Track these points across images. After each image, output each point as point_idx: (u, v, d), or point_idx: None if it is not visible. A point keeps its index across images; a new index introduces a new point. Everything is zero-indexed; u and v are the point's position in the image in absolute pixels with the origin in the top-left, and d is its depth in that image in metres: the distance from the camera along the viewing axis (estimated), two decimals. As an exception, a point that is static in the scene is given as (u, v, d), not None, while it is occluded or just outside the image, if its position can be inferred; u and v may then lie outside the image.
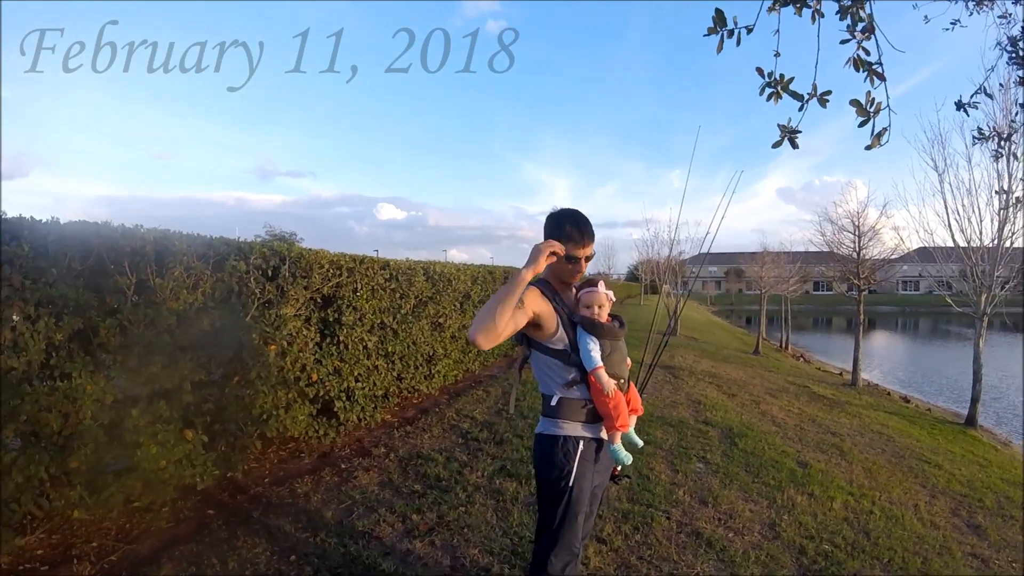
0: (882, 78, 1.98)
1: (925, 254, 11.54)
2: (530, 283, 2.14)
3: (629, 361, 2.39)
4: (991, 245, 9.46)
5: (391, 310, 5.74)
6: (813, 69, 2.11)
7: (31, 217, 2.82)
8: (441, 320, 7.00)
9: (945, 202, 9.85)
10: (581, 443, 2.25)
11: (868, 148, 2.04)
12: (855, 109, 2.00)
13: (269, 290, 4.05)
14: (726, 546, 3.56)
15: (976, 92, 3.42)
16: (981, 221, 9.61)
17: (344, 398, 4.97)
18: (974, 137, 4.02)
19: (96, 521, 3.17)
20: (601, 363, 2.18)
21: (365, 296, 5.20)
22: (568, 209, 2.31)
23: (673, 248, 19.75)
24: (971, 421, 9.83)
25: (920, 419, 9.73)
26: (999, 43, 3.38)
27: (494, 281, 8.89)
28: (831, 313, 51.78)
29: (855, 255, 12.67)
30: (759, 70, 2.11)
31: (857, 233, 12.59)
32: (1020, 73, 3.41)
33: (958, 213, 9.76)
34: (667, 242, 19.61)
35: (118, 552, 2.96)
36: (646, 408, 6.70)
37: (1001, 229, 9.35)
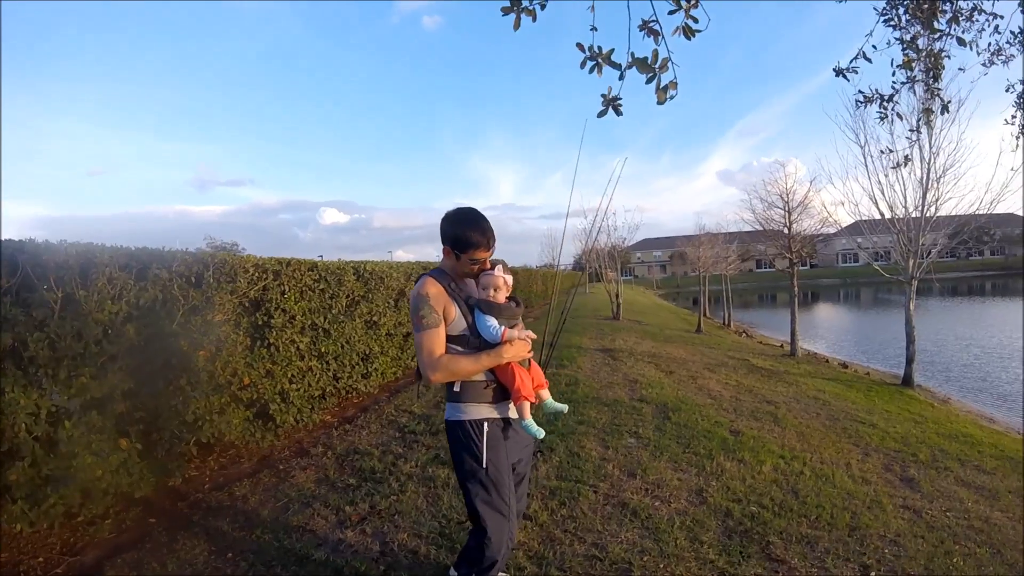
0: (659, 35, 2.24)
1: (859, 228, 12.32)
2: (428, 274, 2.47)
3: (533, 335, 2.57)
4: (915, 214, 10.23)
5: (322, 310, 6.02)
6: (627, 39, 2.31)
7: None
8: (376, 319, 7.30)
9: (868, 174, 10.61)
10: (485, 424, 2.45)
11: (659, 103, 2.28)
12: (637, 67, 2.25)
13: (194, 296, 4.31)
14: (651, 514, 3.86)
15: (855, 57, 3.63)
16: (905, 190, 10.40)
17: (279, 400, 5.26)
18: (856, 101, 4.16)
19: (42, 536, 3.43)
20: (504, 328, 2.40)
21: (294, 298, 5.47)
22: (469, 214, 2.48)
23: (610, 235, 20.44)
24: (907, 381, 10.61)
25: (858, 383, 10.46)
26: (875, 7, 3.54)
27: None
28: (776, 289, 54.13)
29: (786, 230, 13.40)
30: (579, 45, 2.28)
31: (787, 208, 13.33)
32: (896, 35, 3.55)
33: (880, 184, 10.54)
34: (604, 230, 20.29)
35: (63, 565, 3.23)
36: (582, 390, 7.20)
37: (924, 195, 10.12)
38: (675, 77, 2.25)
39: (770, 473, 4.72)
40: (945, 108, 4.12)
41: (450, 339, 2.42)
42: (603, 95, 2.35)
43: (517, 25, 2.20)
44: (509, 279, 2.54)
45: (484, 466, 2.44)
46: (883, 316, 27.10)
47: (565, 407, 2.67)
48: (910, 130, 4.33)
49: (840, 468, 5.00)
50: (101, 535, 3.54)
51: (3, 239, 3.25)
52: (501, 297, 2.49)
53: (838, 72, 3.73)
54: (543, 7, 2.23)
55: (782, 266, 14.67)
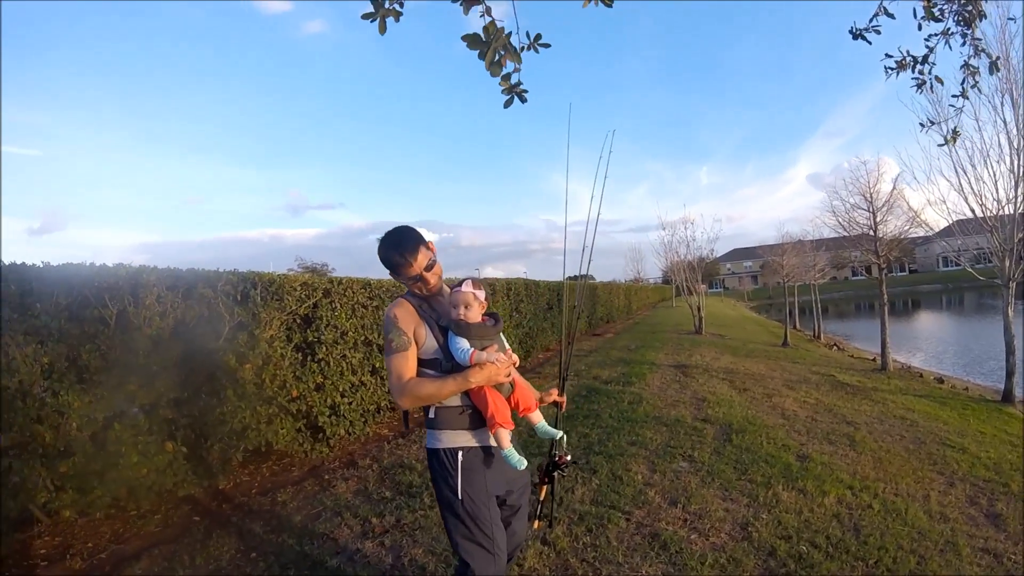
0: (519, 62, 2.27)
1: (959, 227, 11.54)
2: (403, 296, 2.45)
3: (515, 357, 2.47)
4: (1008, 209, 9.46)
5: (375, 327, 6.42)
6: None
7: (21, 263, 3.62)
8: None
9: (955, 168, 9.94)
10: (460, 453, 2.35)
11: (493, 76, 2.25)
12: (467, 43, 2.22)
13: (240, 313, 4.78)
14: (683, 548, 3.65)
15: (875, 15, 3.24)
16: (996, 182, 9.63)
17: (329, 413, 5.66)
18: (886, 68, 3.63)
19: (94, 525, 3.98)
20: (473, 350, 2.28)
21: (345, 315, 5.89)
22: (388, 236, 2.43)
23: (690, 247, 20.12)
24: (1007, 397, 9.83)
25: (952, 400, 9.74)
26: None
27: (494, 293, 9.58)
28: (873, 298, 50.85)
29: (871, 232, 12.68)
30: (470, 36, 2.23)
31: (871, 209, 12.62)
32: None
33: (968, 177, 9.83)
34: (684, 241, 19.95)
35: (107, 551, 3.74)
36: (643, 409, 7.20)
37: (1016, 187, 9.33)
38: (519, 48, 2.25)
39: (832, 506, 4.35)
40: (995, 66, 3.57)
41: (422, 363, 2.37)
42: (502, 79, 2.32)
43: (382, 29, 2.21)
44: (480, 294, 2.42)
45: (460, 497, 2.34)
46: (986, 324, 24.92)
47: (559, 433, 2.61)
48: (953, 96, 3.77)
49: (916, 501, 4.55)
50: (148, 528, 4.04)
51: (63, 263, 3.82)
52: (473, 315, 2.38)
53: (855, 34, 3.31)
54: (401, 5, 2.20)
55: (874, 272, 13.76)
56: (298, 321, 5.46)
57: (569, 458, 2.80)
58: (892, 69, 3.62)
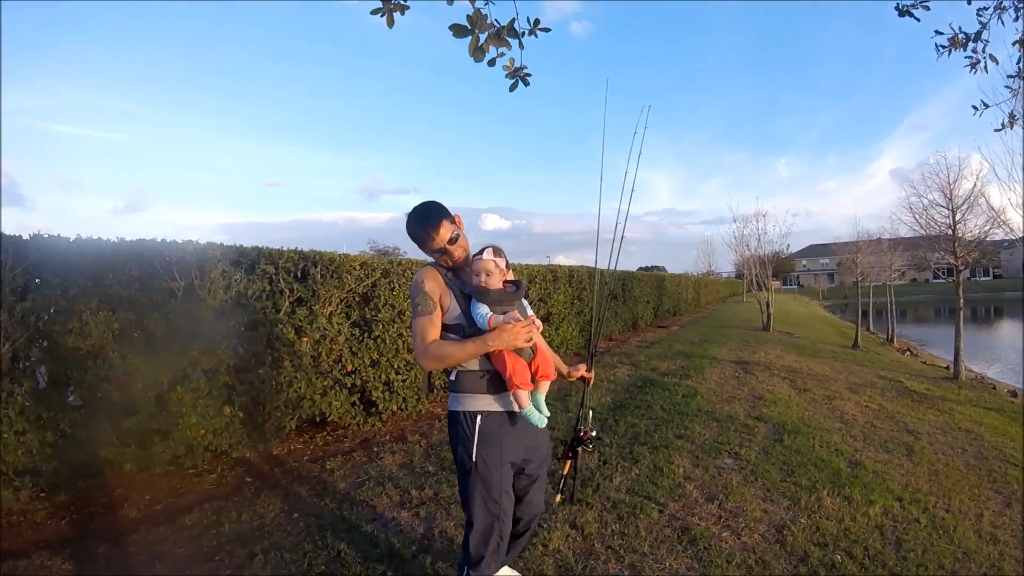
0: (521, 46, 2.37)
1: None
2: (428, 264, 2.56)
3: (538, 323, 2.53)
4: None
5: (433, 308, 6.62)
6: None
7: (97, 237, 4.00)
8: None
9: None
10: (479, 417, 2.44)
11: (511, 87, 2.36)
12: (454, 32, 2.32)
13: (299, 289, 5.06)
14: (712, 545, 3.62)
15: None
16: None
17: (383, 389, 5.91)
18: (937, 47, 3.44)
19: (154, 479, 4.34)
20: (491, 315, 2.39)
21: (403, 295, 6.11)
22: (412, 213, 2.52)
23: (760, 241, 19.56)
24: None
25: None
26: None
27: (555, 280, 9.70)
28: (954, 302, 48.10)
29: (949, 231, 11.99)
30: (455, 25, 2.32)
31: (950, 207, 11.87)
32: None
33: None
34: (756, 235, 19.35)
35: (163, 503, 4.09)
36: (696, 403, 7.21)
37: None
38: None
39: (877, 516, 4.19)
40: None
41: (447, 328, 2.46)
42: (505, 66, 2.44)
43: (391, 23, 2.31)
44: (501, 262, 2.50)
45: (474, 460, 2.44)
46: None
47: (546, 414, 2.55)
48: (1009, 76, 3.50)
49: (968, 519, 4.32)
50: (203, 485, 4.38)
51: (137, 239, 4.18)
52: (494, 282, 2.46)
53: (902, 11, 3.14)
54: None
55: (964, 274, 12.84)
56: (356, 299, 5.70)
57: (594, 433, 2.93)
58: (944, 48, 3.48)
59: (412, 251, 2.66)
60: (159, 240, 4.31)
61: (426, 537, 3.70)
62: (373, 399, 5.82)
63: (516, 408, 2.43)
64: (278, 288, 4.94)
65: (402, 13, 2.34)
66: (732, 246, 21.04)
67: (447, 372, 2.52)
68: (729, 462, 5.21)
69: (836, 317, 37.17)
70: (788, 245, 20.33)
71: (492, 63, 2.41)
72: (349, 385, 5.54)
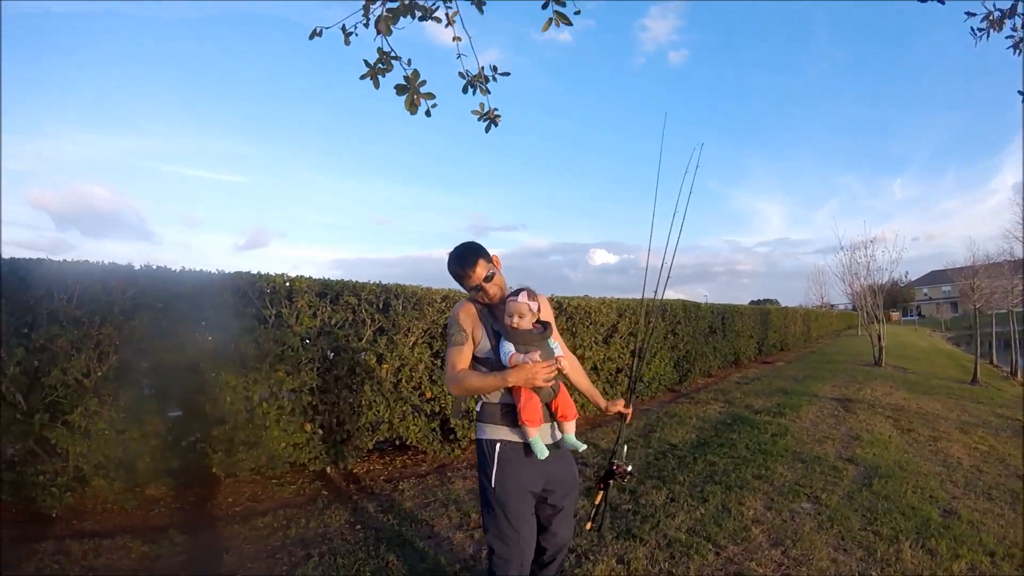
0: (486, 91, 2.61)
1: None
2: (467, 299, 2.75)
3: (564, 363, 2.68)
4: None
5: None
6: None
7: (199, 269, 4.66)
8: (579, 352, 7.97)
9: None
10: (498, 445, 2.59)
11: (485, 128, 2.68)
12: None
13: (380, 320, 5.49)
14: None
15: None
16: None
17: (462, 416, 6.22)
18: (972, 31, 3.14)
19: (239, 485, 4.88)
20: (513, 352, 2.53)
21: (484, 327, 6.44)
22: (452, 253, 2.71)
23: (869, 269, 18.40)
24: None
25: None
26: None
27: (647, 314, 9.72)
28: None
29: None
30: (397, 85, 2.65)
31: None
32: None
33: None
34: (864, 264, 18.18)
35: (242, 506, 4.60)
36: (785, 442, 7.07)
37: None
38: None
39: (960, 572, 3.87)
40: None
41: (477, 360, 2.64)
42: (474, 111, 2.78)
43: (376, 85, 2.64)
44: (535, 305, 2.64)
45: (492, 486, 2.58)
46: None
47: (582, 446, 2.74)
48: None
49: None
50: (281, 494, 4.85)
51: (235, 271, 4.78)
52: (525, 323, 2.59)
53: None
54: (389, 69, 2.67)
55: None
56: (439, 330, 6.08)
57: (630, 468, 2.94)
58: (980, 31, 3.19)
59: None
60: (254, 272, 4.87)
61: (473, 558, 3.85)
62: (452, 426, 6.11)
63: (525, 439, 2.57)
64: (360, 318, 5.37)
65: (384, 75, 2.66)
66: (841, 276, 20.04)
67: (477, 403, 2.71)
68: (807, 506, 4.96)
69: (959, 350, 34.09)
70: (906, 273, 19.12)
71: (428, 113, 2.73)
72: (428, 412, 5.85)
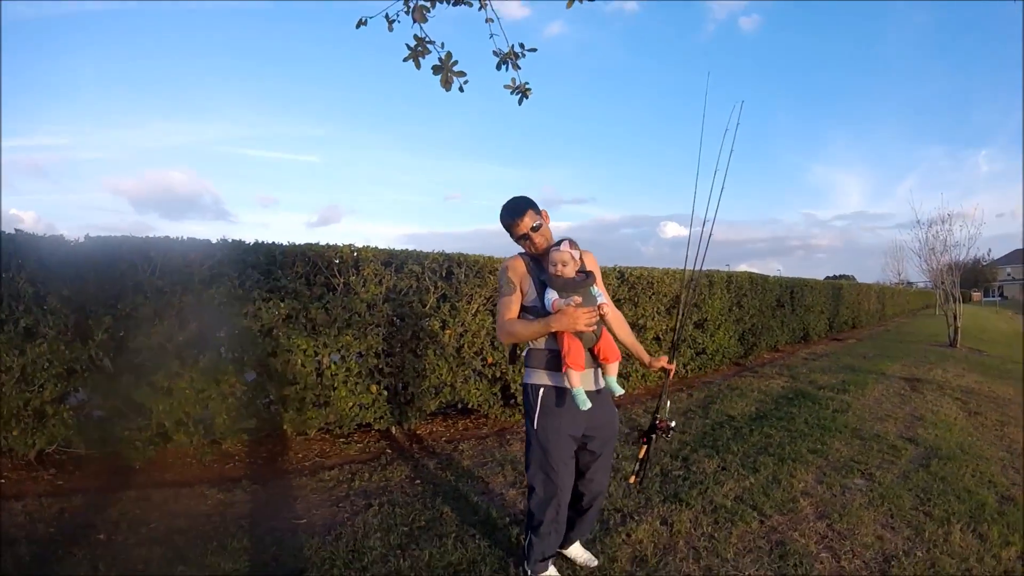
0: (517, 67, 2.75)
1: None
2: (517, 253, 2.93)
3: (607, 309, 2.82)
4: None
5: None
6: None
7: (271, 241, 4.97)
8: (642, 322, 7.98)
9: None
10: (541, 389, 2.76)
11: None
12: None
13: (443, 287, 5.66)
14: (803, 562, 3.47)
15: None
16: None
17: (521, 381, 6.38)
18: None
19: (308, 443, 5.20)
20: (555, 299, 2.66)
21: (545, 294, 6.55)
22: (504, 204, 2.87)
23: (947, 247, 17.42)
24: None
25: None
26: None
27: (711, 286, 9.64)
28: None
29: None
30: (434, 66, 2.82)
31: None
32: None
33: None
34: (942, 240, 17.20)
35: (311, 461, 4.91)
36: (845, 419, 6.99)
37: None
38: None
39: (1010, 560, 3.70)
40: None
41: (526, 309, 2.81)
42: (507, 86, 2.96)
43: (417, 66, 2.83)
44: (576, 254, 2.78)
45: (535, 428, 2.78)
46: None
47: (621, 390, 2.84)
48: None
49: None
50: (348, 451, 5.14)
51: (305, 242, 5.04)
52: (568, 271, 2.72)
53: None
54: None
55: None
56: (500, 296, 6.22)
57: (672, 424, 3.07)
58: None
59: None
60: (323, 244, 5.13)
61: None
62: (512, 391, 6.29)
63: (568, 385, 2.69)
64: (424, 285, 5.55)
65: (424, 56, 2.83)
66: (918, 252, 19.13)
67: (523, 349, 2.93)
68: (859, 482, 4.88)
69: None
70: (989, 251, 18.07)
71: (461, 89, 2.91)
72: (490, 376, 6.02)
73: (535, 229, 2.82)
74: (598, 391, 2.85)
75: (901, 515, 4.23)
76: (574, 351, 2.66)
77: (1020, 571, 3.55)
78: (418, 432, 5.82)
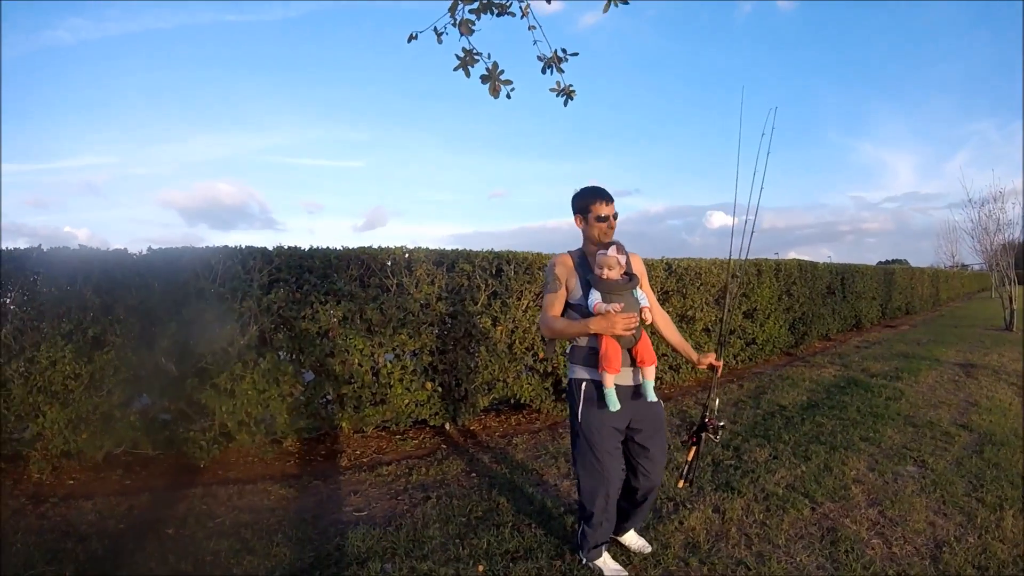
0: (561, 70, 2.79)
1: None
2: (566, 252, 2.97)
3: (648, 314, 2.85)
4: None
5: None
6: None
7: (326, 247, 5.02)
8: (691, 313, 7.86)
9: None
10: (584, 384, 2.82)
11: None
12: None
13: (493, 284, 5.63)
14: (854, 548, 3.43)
15: None
16: None
17: (572, 376, 6.36)
18: None
19: (367, 440, 5.24)
20: (597, 302, 2.72)
21: (593, 290, 6.52)
22: (582, 188, 2.97)
23: (1000, 226, 16.55)
24: None
25: None
26: None
27: (759, 274, 9.45)
28: None
29: None
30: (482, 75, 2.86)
31: None
32: None
33: None
34: (995, 219, 16.36)
35: (369, 457, 4.94)
36: (898, 406, 6.77)
37: None
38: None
39: None
40: None
41: (571, 306, 2.87)
42: (552, 89, 2.97)
43: (467, 75, 2.86)
44: (623, 259, 2.81)
45: (580, 421, 2.84)
46: None
47: (655, 398, 2.87)
48: None
49: None
50: (404, 447, 5.14)
51: (358, 246, 5.07)
52: (614, 275, 2.77)
53: None
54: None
55: None
56: (549, 293, 6.21)
57: (722, 423, 3.10)
58: None
59: (642, 253, 3.16)
60: (376, 247, 5.15)
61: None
62: (564, 386, 6.28)
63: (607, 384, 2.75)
64: (475, 284, 5.54)
65: (472, 66, 2.88)
66: (971, 232, 18.27)
67: (564, 346, 2.94)
68: (912, 469, 4.77)
69: None
70: None
71: (508, 96, 2.91)
72: (541, 371, 5.99)
73: (615, 216, 2.93)
74: (637, 386, 2.88)
75: (953, 501, 4.13)
76: (611, 353, 2.72)
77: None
78: (472, 428, 5.81)
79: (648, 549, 3.28)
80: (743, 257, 3.37)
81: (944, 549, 3.45)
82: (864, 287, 15.02)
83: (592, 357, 2.80)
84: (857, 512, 3.91)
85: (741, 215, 3.37)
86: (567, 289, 2.88)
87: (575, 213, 2.98)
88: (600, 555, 3.03)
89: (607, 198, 2.90)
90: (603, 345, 2.72)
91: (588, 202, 2.90)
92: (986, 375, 8.84)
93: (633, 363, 2.84)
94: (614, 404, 2.73)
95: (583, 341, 2.85)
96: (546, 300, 2.90)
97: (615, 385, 2.77)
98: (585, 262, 2.91)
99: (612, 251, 2.78)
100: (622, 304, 2.73)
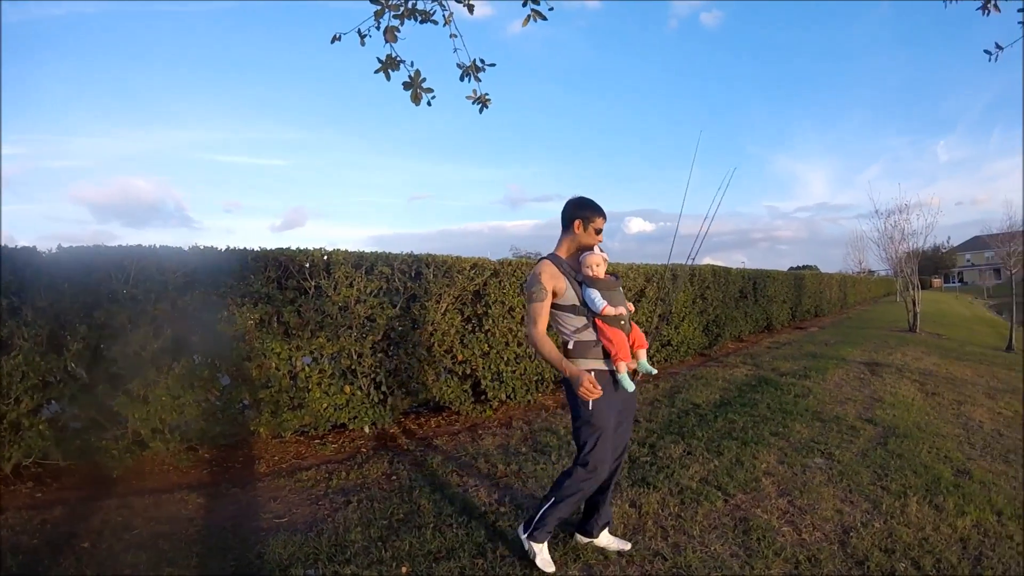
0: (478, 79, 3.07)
1: None
2: (544, 257, 3.22)
3: (631, 306, 3.23)
4: None
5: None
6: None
7: (243, 247, 4.98)
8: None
9: None
10: (592, 373, 2.99)
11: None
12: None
13: (412, 287, 5.76)
14: (765, 536, 3.68)
15: None
16: None
17: (492, 378, 6.49)
18: None
19: (284, 446, 5.30)
20: (605, 303, 3.02)
21: (513, 293, 6.67)
22: (587, 198, 3.25)
23: (904, 236, 18.14)
24: None
25: None
26: None
27: (675, 279, 9.83)
28: None
29: None
30: (404, 82, 3.07)
31: None
32: None
33: None
34: (899, 229, 17.95)
35: (288, 463, 5.00)
36: (806, 403, 7.28)
37: None
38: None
39: (965, 529, 3.87)
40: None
41: (562, 308, 3.12)
42: (468, 96, 3.21)
43: (388, 78, 3.04)
44: (606, 256, 3.23)
45: (591, 408, 3.04)
46: None
47: (654, 370, 3.33)
48: (1019, 10, 3.35)
49: None
50: (324, 452, 5.23)
51: (275, 247, 5.09)
52: (601, 272, 3.13)
53: None
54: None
55: None
56: (469, 296, 6.33)
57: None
58: None
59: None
60: (294, 248, 5.19)
61: (499, 503, 4.16)
62: (483, 388, 6.39)
63: (614, 370, 3.11)
64: (394, 286, 5.65)
65: (396, 69, 3.01)
66: (878, 241, 19.92)
67: (564, 344, 3.17)
68: (820, 461, 5.10)
69: (1000, 318, 33.02)
70: (948, 238, 18.91)
71: (429, 104, 3.13)
72: (460, 373, 6.16)
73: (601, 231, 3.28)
74: (634, 371, 3.23)
75: (859, 490, 4.48)
76: (622, 347, 3.07)
77: (975, 539, 3.75)
78: (392, 431, 5.93)
79: (628, 546, 3.52)
80: (667, 263, 3.75)
81: (852, 534, 3.78)
82: (775, 291, 15.92)
83: (598, 350, 3.10)
84: (768, 502, 4.23)
85: (661, 221, 3.77)
86: (555, 293, 3.10)
87: (575, 219, 3.22)
88: (546, 539, 3.27)
89: (605, 215, 3.24)
90: (615, 342, 3.06)
91: (594, 214, 3.21)
92: (890, 373, 9.54)
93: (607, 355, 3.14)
94: (630, 385, 3.12)
95: (590, 336, 3.10)
96: (534, 310, 3.08)
97: (608, 372, 3.13)
98: (564, 264, 3.19)
99: (597, 250, 3.21)
100: (626, 310, 3.14)
